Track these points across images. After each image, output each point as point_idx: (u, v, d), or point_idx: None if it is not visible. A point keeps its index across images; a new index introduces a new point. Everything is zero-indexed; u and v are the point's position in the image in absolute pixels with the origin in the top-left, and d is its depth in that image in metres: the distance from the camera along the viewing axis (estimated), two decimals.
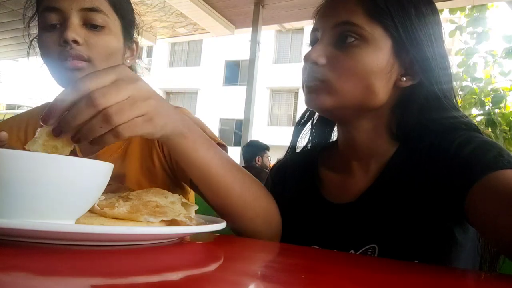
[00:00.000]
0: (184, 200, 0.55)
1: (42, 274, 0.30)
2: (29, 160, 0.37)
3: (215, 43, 18.46)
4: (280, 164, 0.85)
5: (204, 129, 0.81)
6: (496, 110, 5.61)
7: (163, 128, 0.50)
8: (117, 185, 0.61)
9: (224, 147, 0.80)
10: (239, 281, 0.34)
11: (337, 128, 0.78)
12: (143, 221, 0.45)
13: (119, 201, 0.48)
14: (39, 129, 0.44)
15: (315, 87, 0.64)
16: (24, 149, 0.43)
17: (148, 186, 0.78)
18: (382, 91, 0.63)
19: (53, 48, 0.73)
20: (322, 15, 0.67)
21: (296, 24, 4.45)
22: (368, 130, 0.67)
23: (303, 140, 0.81)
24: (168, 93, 20.71)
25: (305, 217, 0.71)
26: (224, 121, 18.94)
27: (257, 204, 0.63)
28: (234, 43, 17.74)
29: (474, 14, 6.13)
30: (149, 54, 20.60)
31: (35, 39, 0.84)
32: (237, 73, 19.14)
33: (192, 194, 0.92)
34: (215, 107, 18.86)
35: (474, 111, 5.68)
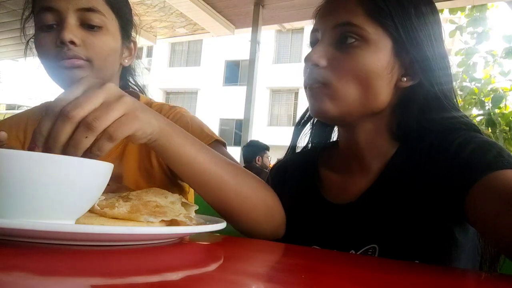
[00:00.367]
0: (184, 200, 0.55)
1: (42, 274, 0.30)
2: (29, 160, 0.37)
3: (215, 43, 18.46)
4: (280, 164, 0.85)
5: (202, 127, 0.81)
6: (496, 110, 5.61)
7: (149, 123, 0.49)
8: (117, 185, 0.61)
9: (222, 144, 0.80)
10: (239, 281, 0.34)
11: (338, 128, 0.78)
12: (143, 221, 0.45)
13: (119, 201, 0.48)
14: None
15: (317, 90, 0.64)
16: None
17: (146, 186, 0.78)
18: (384, 91, 0.62)
19: (50, 48, 0.72)
20: (322, 15, 0.67)
21: (296, 24, 4.45)
22: (369, 130, 0.67)
23: (303, 140, 0.81)
24: (168, 93, 20.72)
25: (306, 217, 0.71)
26: (224, 121, 18.94)
27: (254, 195, 0.61)
28: (234, 43, 17.74)
29: (474, 14, 6.13)
30: (149, 54, 20.60)
31: (31, 39, 0.84)
32: (237, 73, 19.14)
33: (191, 194, 0.92)
34: (215, 107, 18.86)
35: (474, 111, 5.68)
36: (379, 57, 0.61)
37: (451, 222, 0.59)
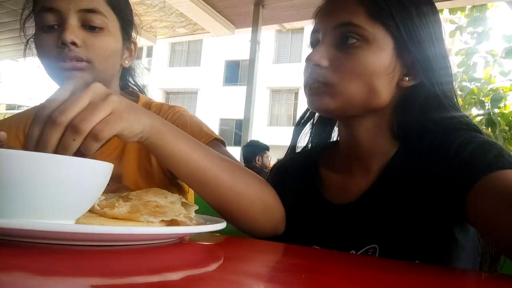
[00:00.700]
0: (184, 200, 0.55)
1: (42, 274, 0.30)
2: (29, 160, 0.37)
3: (215, 43, 18.46)
4: (280, 164, 0.85)
5: (201, 126, 0.81)
6: (496, 110, 5.61)
7: (138, 122, 0.49)
8: (117, 185, 0.61)
9: (222, 143, 0.80)
10: (239, 281, 0.34)
11: (338, 128, 0.78)
12: (143, 221, 0.45)
13: (119, 201, 0.48)
14: None
15: (318, 89, 0.64)
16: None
17: (145, 187, 0.78)
18: (385, 91, 0.62)
19: (51, 49, 0.72)
20: (323, 16, 0.67)
21: (296, 24, 4.45)
22: (370, 130, 0.67)
23: (303, 140, 0.81)
24: (168, 93, 20.72)
25: (306, 217, 0.71)
26: (224, 121, 18.94)
27: (250, 192, 0.61)
28: (234, 43, 17.74)
29: (474, 14, 6.13)
30: (149, 54, 20.60)
31: (32, 40, 0.83)
32: (237, 73, 19.14)
33: (191, 194, 0.92)
34: (215, 107, 18.86)
35: (474, 111, 5.68)
36: (380, 57, 0.61)
37: (451, 222, 0.59)
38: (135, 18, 0.86)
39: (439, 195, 0.58)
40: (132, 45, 0.85)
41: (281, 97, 18.59)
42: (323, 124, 0.79)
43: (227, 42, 18.12)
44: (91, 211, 0.45)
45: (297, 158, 0.81)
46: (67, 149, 0.43)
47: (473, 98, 5.72)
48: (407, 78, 0.64)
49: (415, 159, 0.63)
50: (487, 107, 5.64)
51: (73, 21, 0.71)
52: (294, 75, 16.45)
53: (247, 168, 0.64)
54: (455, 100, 0.65)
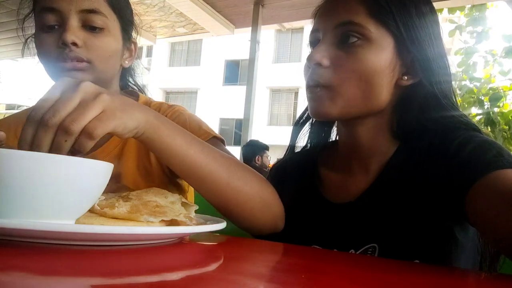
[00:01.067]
0: (184, 200, 0.55)
1: (42, 274, 0.30)
2: (28, 160, 0.37)
3: (215, 43, 18.46)
4: (279, 164, 0.85)
5: (200, 124, 0.81)
6: (495, 109, 5.61)
7: (131, 119, 0.49)
8: (117, 185, 0.61)
9: (221, 141, 0.80)
10: (239, 281, 0.34)
11: (337, 127, 0.78)
12: (143, 221, 0.45)
13: (119, 201, 0.48)
14: None
15: (319, 93, 0.63)
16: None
17: (144, 185, 0.78)
18: (385, 90, 0.63)
19: (52, 49, 0.71)
20: (322, 15, 0.67)
21: (296, 24, 4.46)
22: (370, 129, 0.67)
23: (303, 140, 0.81)
24: (168, 93, 20.72)
25: (305, 217, 0.71)
26: (224, 120, 18.94)
27: (248, 187, 0.61)
28: (234, 42, 17.73)
29: (474, 14, 6.13)
30: (149, 53, 20.59)
31: (30, 39, 0.83)
32: (237, 72, 19.13)
33: (191, 193, 0.92)
34: (215, 106, 18.85)
35: (473, 110, 5.69)
36: (381, 55, 0.61)
37: (451, 222, 0.59)
38: (135, 18, 0.86)
39: (438, 194, 0.58)
40: (132, 45, 0.85)
41: (281, 97, 18.59)
42: (321, 124, 0.79)
43: (227, 42, 18.11)
44: (91, 211, 0.45)
45: (296, 157, 0.82)
46: (60, 150, 0.44)
47: (472, 97, 5.73)
48: (406, 77, 0.64)
49: (415, 158, 0.63)
50: (486, 107, 5.65)
51: (74, 21, 0.71)
52: (294, 75, 16.44)
53: (245, 165, 0.64)
54: (454, 99, 0.65)
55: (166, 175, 0.82)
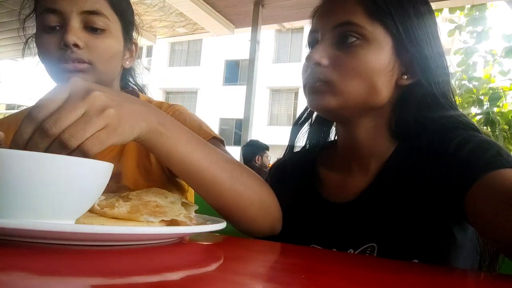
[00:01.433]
0: (184, 200, 0.55)
1: (42, 274, 0.30)
2: (28, 160, 0.37)
3: (214, 43, 18.45)
4: (279, 163, 0.85)
5: (200, 124, 0.81)
6: (495, 109, 5.61)
7: (132, 132, 0.48)
8: (117, 185, 0.61)
9: (221, 142, 0.80)
10: (239, 281, 0.34)
11: (337, 127, 0.78)
12: (143, 221, 0.45)
13: (119, 201, 0.48)
14: None
15: (319, 88, 0.63)
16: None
17: (144, 185, 0.78)
18: (385, 89, 0.63)
19: (53, 50, 0.71)
20: (321, 16, 0.67)
21: (296, 24, 4.46)
22: (369, 129, 0.67)
23: (302, 140, 0.81)
24: (168, 93, 20.71)
25: (304, 216, 0.71)
26: (224, 120, 18.94)
27: (250, 192, 0.61)
28: (234, 42, 17.73)
29: (474, 14, 6.13)
30: (149, 53, 20.58)
31: (31, 40, 0.83)
32: (237, 72, 19.13)
33: (191, 192, 0.92)
34: (215, 106, 18.85)
35: (473, 110, 5.69)
36: (380, 55, 0.61)
37: (450, 221, 0.60)
38: (136, 18, 0.86)
39: (437, 194, 0.58)
40: (133, 45, 0.85)
41: (281, 97, 18.59)
42: (321, 124, 0.79)
43: (226, 42, 18.11)
44: (91, 211, 0.45)
45: (296, 157, 0.82)
46: None
47: (472, 97, 5.73)
48: (405, 77, 0.64)
49: (414, 158, 0.63)
50: (485, 106, 5.65)
51: (76, 23, 0.71)
52: (294, 75, 16.43)
53: (248, 168, 0.64)
54: (453, 99, 0.66)
55: (166, 175, 0.82)
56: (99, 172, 0.43)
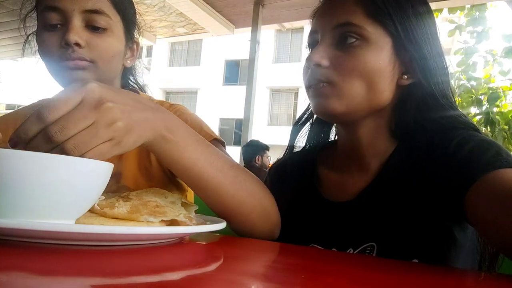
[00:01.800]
0: (184, 200, 0.55)
1: (41, 274, 0.30)
2: (28, 160, 0.37)
3: (215, 43, 18.45)
4: (279, 163, 0.85)
5: (201, 125, 0.81)
6: (495, 109, 5.61)
7: (135, 144, 0.47)
8: (117, 185, 0.61)
9: (221, 143, 0.80)
10: (239, 281, 0.34)
11: (337, 127, 0.78)
12: (143, 221, 0.45)
13: (119, 201, 0.48)
14: None
15: (322, 89, 0.63)
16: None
17: (145, 185, 0.78)
18: (387, 89, 0.63)
19: (54, 49, 0.71)
20: (321, 16, 0.67)
21: (296, 24, 4.47)
22: (370, 128, 0.67)
23: (302, 140, 0.81)
24: (168, 93, 20.71)
25: (304, 215, 0.71)
26: (224, 120, 18.94)
27: (252, 199, 0.61)
28: (234, 42, 17.73)
29: (474, 14, 6.13)
30: (149, 53, 20.58)
31: (31, 38, 0.83)
32: (237, 72, 19.13)
33: (191, 192, 0.92)
34: (215, 106, 18.85)
35: (472, 110, 5.69)
36: (380, 55, 0.62)
37: (450, 221, 0.60)
38: (138, 18, 0.86)
39: (437, 194, 0.58)
40: (135, 44, 0.85)
41: (281, 97, 18.59)
42: (321, 124, 0.79)
43: (226, 42, 18.11)
44: (91, 211, 0.45)
45: (296, 157, 0.82)
46: None
47: (471, 97, 5.73)
48: (405, 76, 0.64)
49: (413, 158, 0.63)
50: (484, 106, 5.65)
51: (77, 21, 0.71)
52: (294, 75, 16.45)
53: (250, 173, 0.64)
54: (453, 99, 0.66)
55: (166, 175, 0.82)
56: (99, 172, 0.43)
